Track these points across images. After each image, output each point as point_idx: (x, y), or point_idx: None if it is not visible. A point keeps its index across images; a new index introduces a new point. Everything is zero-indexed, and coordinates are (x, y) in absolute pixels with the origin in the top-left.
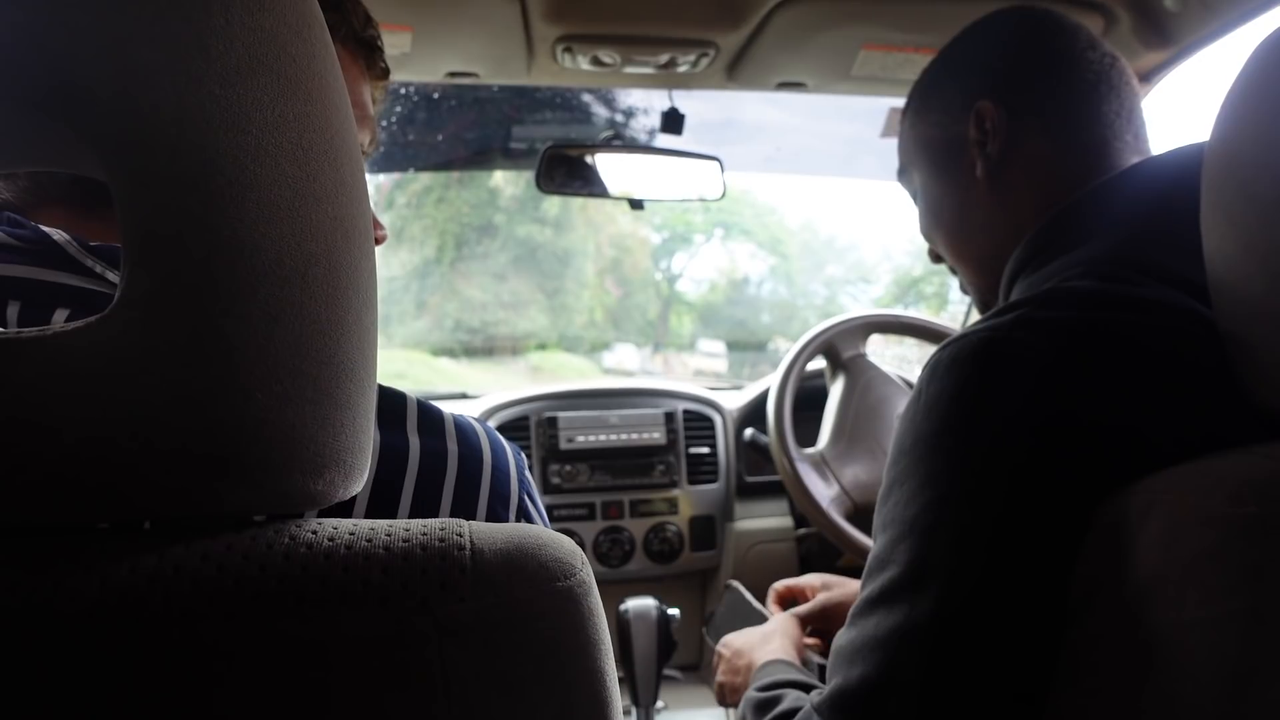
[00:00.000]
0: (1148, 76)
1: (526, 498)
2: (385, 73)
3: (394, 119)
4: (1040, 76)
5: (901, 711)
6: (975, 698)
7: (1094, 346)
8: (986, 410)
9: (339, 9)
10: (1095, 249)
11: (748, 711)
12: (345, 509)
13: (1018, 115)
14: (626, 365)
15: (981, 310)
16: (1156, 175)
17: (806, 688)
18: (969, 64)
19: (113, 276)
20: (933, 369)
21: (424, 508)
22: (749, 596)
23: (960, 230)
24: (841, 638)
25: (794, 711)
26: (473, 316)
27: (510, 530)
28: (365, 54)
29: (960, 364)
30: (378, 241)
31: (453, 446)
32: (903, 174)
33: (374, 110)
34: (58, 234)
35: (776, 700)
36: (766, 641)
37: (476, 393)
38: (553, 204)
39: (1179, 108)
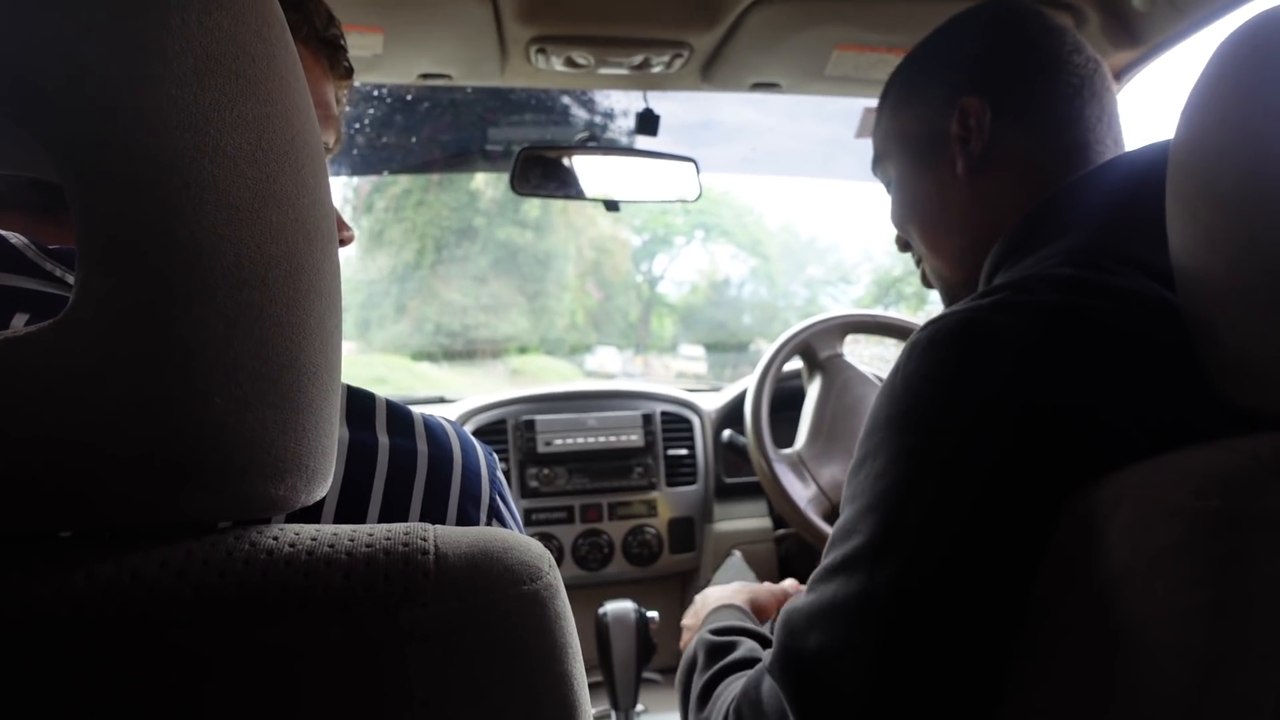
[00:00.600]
0: (1117, 76)
1: (498, 498)
2: (349, 72)
3: (369, 121)
4: (1026, 77)
5: (855, 680)
6: (931, 674)
7: (1072, 331)
8: (964, 390)
9: (300, 8)
10: (1073, 240)
11: (699, 650)
12: (314, 510)
13: (1002, 114)
14: (608, 368)
15: (948, 303)
16: (1131, 169)
17: (759, 637)
18: (953, 58)
19: (72, 280)
20: (911, 348)
21: (394, 508)
22: (745, 565)
23: (938, 224)
24: (797, 602)
25: (748, 661)
26: (453, 320)
27: (475, 534)
28: (328, 53)
29: (939, 344)
30: (344, 243)
31: (423, 446)
32: (878, 164)
33: (339, 110)
34: (15, 237)
35: (731, 646)
36: (735, 596)
37: (454, 397)
38: (533, 206)
39: (1148, 107)
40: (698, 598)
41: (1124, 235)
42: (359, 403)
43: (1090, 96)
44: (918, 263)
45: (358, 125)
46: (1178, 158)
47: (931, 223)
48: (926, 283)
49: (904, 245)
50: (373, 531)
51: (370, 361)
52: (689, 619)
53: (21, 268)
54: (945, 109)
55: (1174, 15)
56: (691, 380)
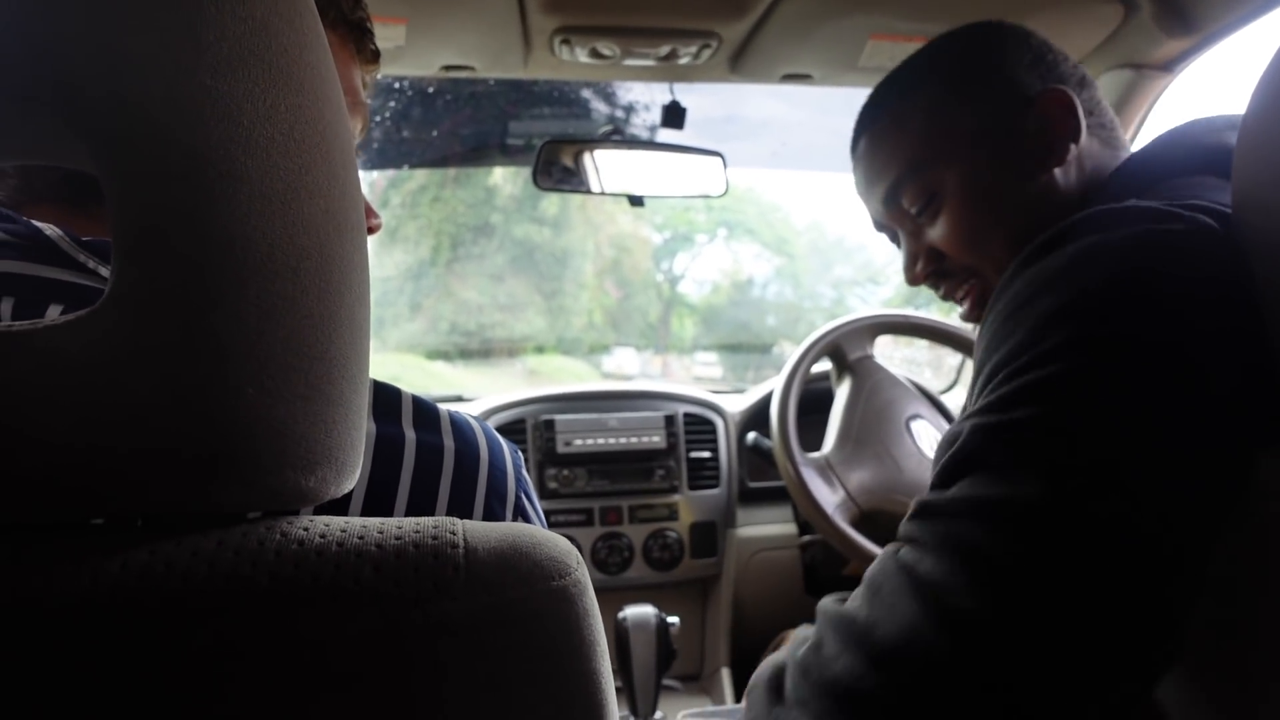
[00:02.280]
0: (1169, 65)
1: (524, 496)
2: (376, 56)
3: (388, 115)
4: (1079, 78)
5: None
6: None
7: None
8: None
9: None
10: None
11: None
12: (341, 504)
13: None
14: (626, 369)
15: (979, 312)
16: (1181, 144)
17: None
18: (1005, 55)
19: (105, 271)
20: (1074, 265)
21: (420, 504)
22: None
23: (1027, 225)
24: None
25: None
26: (469, 319)
27: (504, 529)
28: (355, 37)
29: (1127, 255)
30: (371, 231)
31: (449, 442)
32: (917, 175)
33: (365, 95)
34: (50, 229)
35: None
36: None
37: (471, 396)
38: (551, 203)
39: (1202, 98)
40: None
41: (1187, 194)
42: (385, 397)
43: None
44: (954, 289)
45: (377, 119)
46: (1248, 135)
47: (1006, 223)
48: (977, 311)
49: (932, 272)
50: (402, 525)
51: (384, 360)
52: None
53: (56, 259)
54: (1014, 103)
55: (1230, 3)
56: (711, 382)
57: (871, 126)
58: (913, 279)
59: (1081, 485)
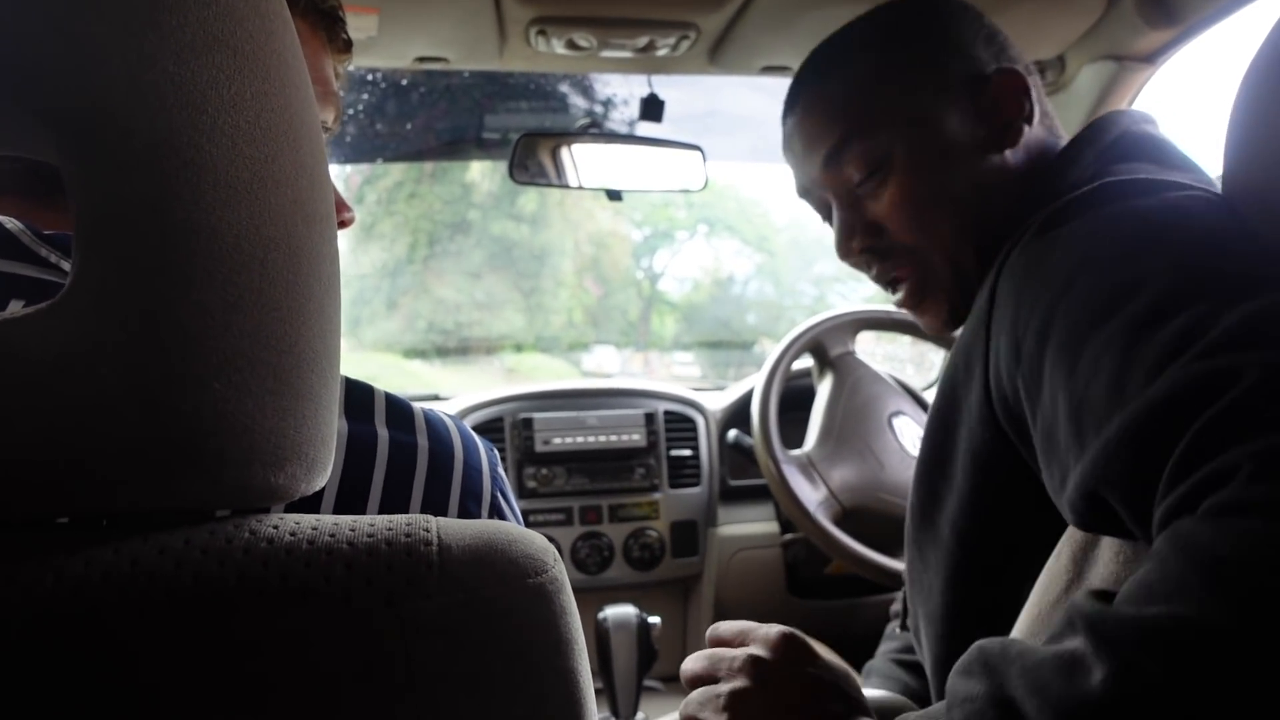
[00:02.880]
0: (1152, 57)
1: (500, 494)
2: (348, 45)
3: (362, 107)
4: (1019, 59)
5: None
6: None
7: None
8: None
9: None
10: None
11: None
12: (313, 503)
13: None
14: (606, 368)
15: (951, 305)
16: (1109, 134)
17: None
18: (962, 29)
19: (68, 266)
20: (1114, 225)
21: (394, 503)
22: None
23: (977, 204)
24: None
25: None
26: (446, 317)
27: (479, 526)
28: (326, 26)
29: (1164, 214)
30: (345, 225)
31: (423, 441)
32: (858, 142)
33: (337, 85)
34: (10, 223)
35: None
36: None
37: (449, 395)
38: (529, 200)
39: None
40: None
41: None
42: (358, 395)
43: None
44: (887, 269)
45: (350, 112)
46: (1238, 119)
47: (956, 198)
48: (916, 296)
49: (869, 247)
50: (374, 522)
51: (361, 359)
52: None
53: (17, 253)
54: (968, 78)
55: None
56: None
57: (818, 83)
58: (846, 252)
59: None
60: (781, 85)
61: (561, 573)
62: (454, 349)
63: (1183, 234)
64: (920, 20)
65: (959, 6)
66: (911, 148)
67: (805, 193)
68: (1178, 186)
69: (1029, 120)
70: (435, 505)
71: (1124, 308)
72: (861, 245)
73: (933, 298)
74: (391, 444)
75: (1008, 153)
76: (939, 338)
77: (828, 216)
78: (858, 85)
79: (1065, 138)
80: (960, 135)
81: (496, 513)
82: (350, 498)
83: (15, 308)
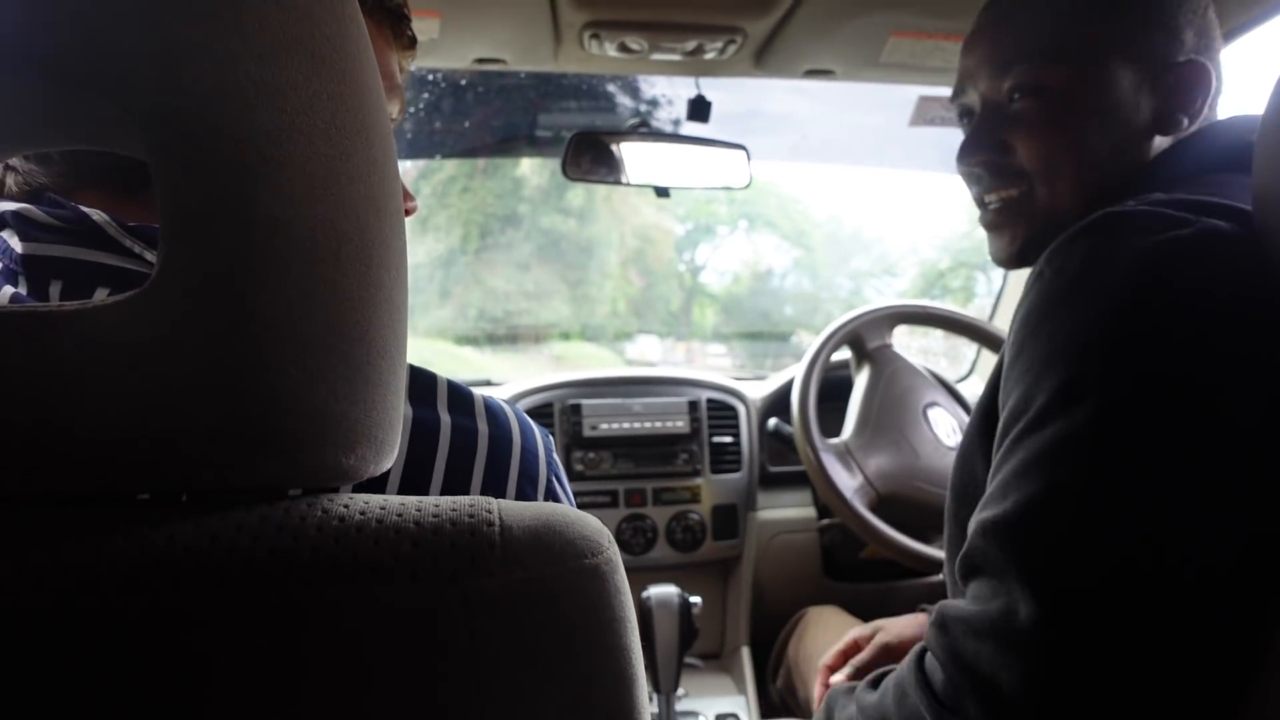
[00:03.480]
0: None
1: (555, 479)
2: (412, 42)
3: (421, 106)
4: (1217, 59)
5: (1061, 522)
6: (1141, 503)
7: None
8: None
9: None
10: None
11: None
12: (379, 484)
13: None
14: (649, 356)
15: (1027, 236)
16: (1212, 140)
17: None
18: (1180, 11)
19: (151, 256)
20: (1091, 274)
21: (455, 485)
22: None
23: (1093, 157)
24: (987, 490)
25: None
26: (496, 306)
27: (538, 508)
28: (392, 23)
29: (1139, 270)
30: (408, 213)
31: (483, 426)
32: (1038, 62)
33: (400, 80)
34: (97, 214)
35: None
36: None
37: (500, 380)
38: (577, 194)
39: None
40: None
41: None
42: (421, 381)
43: None
44: (997, 188)
45: (411, 110)
46: (1270, 129)
47: (1090, 152)
48: (1000, 223)
49: (991, 161)
50: (439, 503)
51: (415, 345)
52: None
53: (103, 244)
54: (1161, 55)
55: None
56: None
57: None
58: (968, 160)
59: (1065, 589)
60: (820, 87)
61: (615, 554)
62: (503, 336)
63: (1082, 314)
64: None
65: None
66: (1076, 89)
67: (960, 90)
68: (1208, 210)
69: (1193, 118)
70: (494, 488)
71: (1029, 408)
72: (984, 158)
73: (1016, 225)
74: (453, 428)
75: (1157, 139)
76: (971, 333)
77: (963, 121)
78: (1059, 11)
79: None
80: (1126, 101)
81: (551, 496)
82: (414, 479)
83: (101, 295)
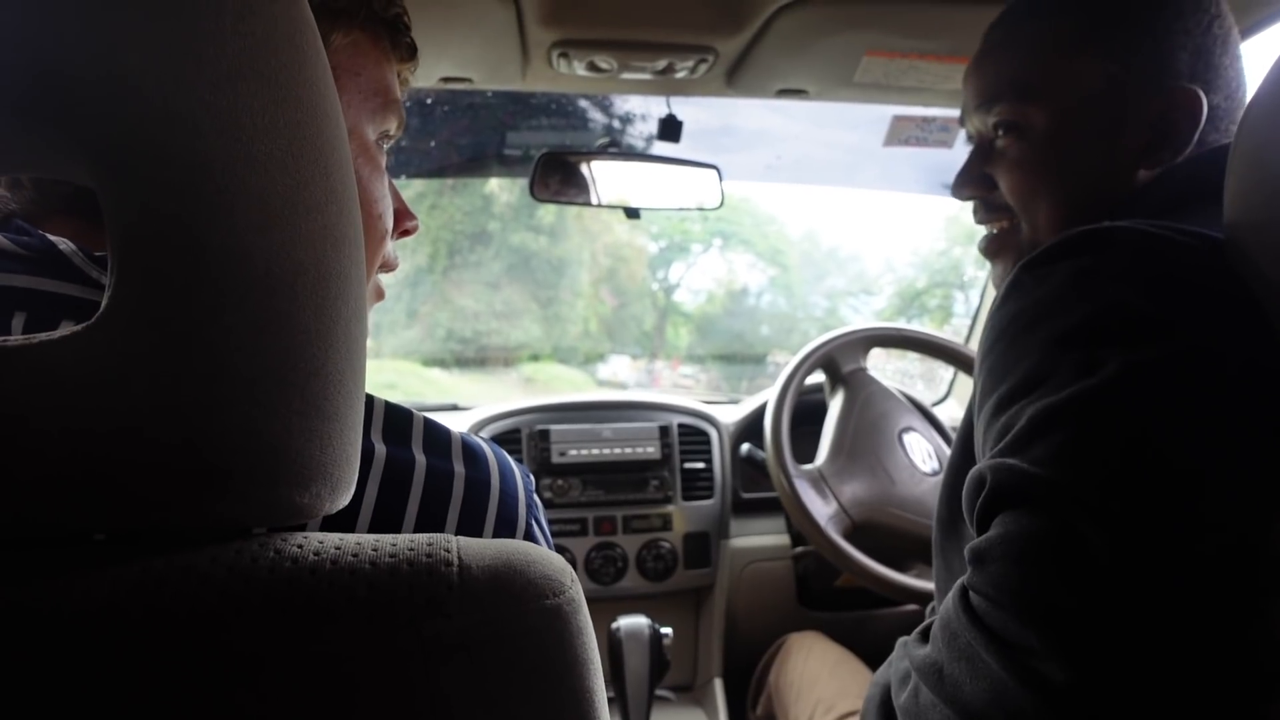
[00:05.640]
0: None
1: (534, 522)
2: (412, 51)
3: None
4: (1233, 87)
5: (1103, 463)
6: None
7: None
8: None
9: None
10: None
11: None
12: (348, 524)
13: (1210, 116)
14: (621, 377)
15: (995, 249)
16: (1206, 169)
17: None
18: (1172, 31)
19: None
20: (1069, 289)
21: (428, 528)
22: None
23: (1075, 192)
24: (995, 444)
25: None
26: (465, 326)
27: (499, 546)
28: (389, 35)
29: (1117, 279)
30: (409, 233)
31: (459, 468)
32: (1016, 100)
33: (401, 93)
34: (63, 243)
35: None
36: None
37: (467, 404)
38: (548, 212)
39: None
40: None
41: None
42: (396, 419)
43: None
44: (987, 220)
45: None
46: (1240, 155)
47: (1068, 190)
48: (994, 252)
49: (974, 196)
50: (396, 541)
51: (381, 367)
52: None
53: (68, 274)
54: (1147, 85)
55: (1251, 5)
56: (705, 390)
57: (1016, 24)
58: (958, 192)
59: (1123, 511)
60: (794, 106)
61: (578, 593)
62: (472, 358)
63: (1057, 322)
64: (1133, 2)
65: (1190, 3)
66: (1056, 128)
67: (961, 119)
68: (1187, 237)
69: (1178, 149)
70: (470, 532)
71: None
72: (970, 193)
73: (1008, 255)
74: (428, 470)
75: (1142, 171)
76: (946, 356)
77: (970, 141)
78: (1039, 45)
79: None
80: (1109, 137)
81: (529, 539)
82: (385, 521)
83: (66, 327)
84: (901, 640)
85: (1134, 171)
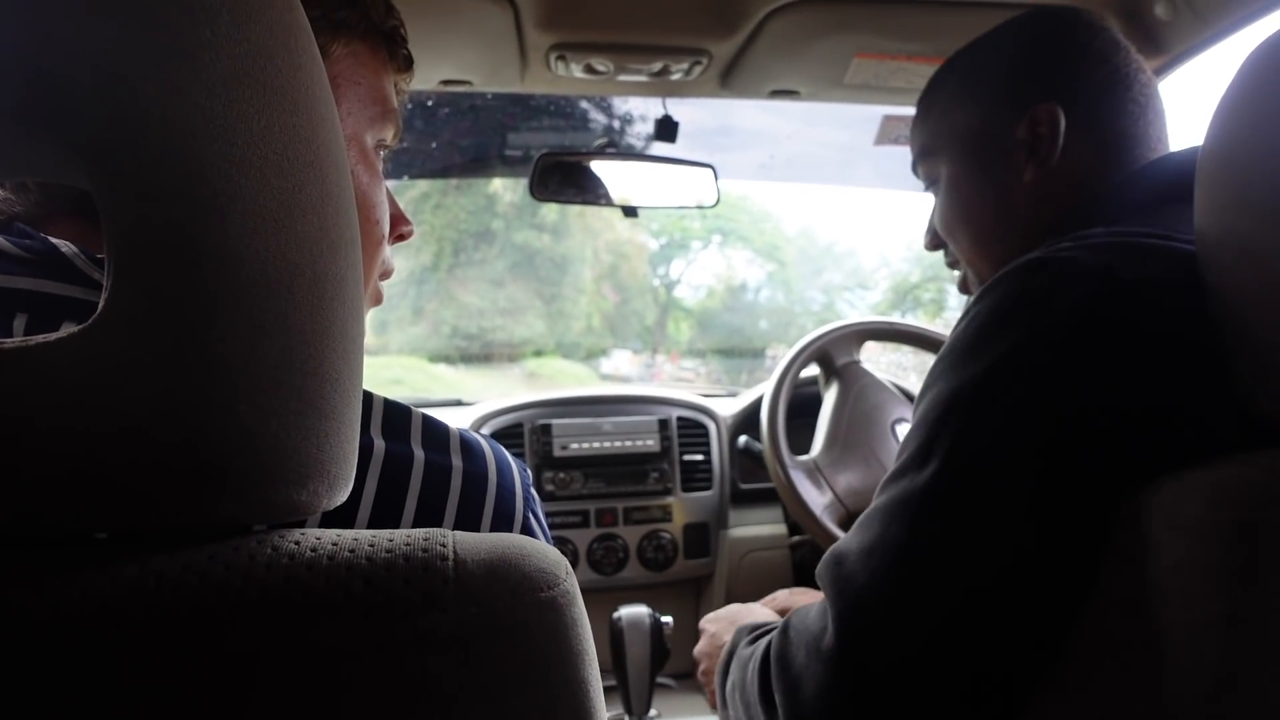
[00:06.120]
0: None
1: (531, 515)
2: (409, 62)
3: None
4: (1100, 90)
5: (881, 567)
6: (955, 565)
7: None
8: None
9: (356, 4)
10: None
11: (737, 640)
12: (348, 520)
13: (1075, 125)
14: (623, 371)
15: (963, 289)
16: (1168, 170)
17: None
18: (1021, 62)
19: None
20: (992, 324)
21: (426, 522)
22: None
23: (991, 229)
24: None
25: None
26: (470, 323)
27: (494, 540)
28: (387, 46)
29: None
30: (405, 237)
31: (457, 462)
32: (923, 161)
33: (397, 103)
34: (65, 246)
35: (767, 631)
36: (765, 604)
37: (471, 399)
38: (551, 210)
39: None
40: (706, 624)
41: (1158, 223)
42: (395, 416)
43: (1151, 111)
44: (952, 264)
45: None
46: (1208, 166)
47: (984, 227)
48: (965, 289)
49: (936, 246)
50: (393, 537)
51: (387, 363)
52: (711, 624)
53: (69, 276)
54: (1011, 113)
55: (1197, 24)
56: (704, 384)
57: (919, 102)
58: (925, 244)
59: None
60: (789, 106)
61: (573, 585)
62: (477, 354)
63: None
64: (990, 48)
65: (1045, 29)
66: (951, 172)
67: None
68: (1138, 252)
69: (1049, 159)
70: (467, 526)
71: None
72: (930, 243)
73: (971, 293)
74: (427, 464)
75: (1038, 183)
76: (937, 349)
77: None
78: (939, 105)
79: (1130, 166)
80: (991, 165)
81: (527, 532)
82: (383, 516)
83: (68, 329)
84: (751, 625)
85: (1029, 188)
